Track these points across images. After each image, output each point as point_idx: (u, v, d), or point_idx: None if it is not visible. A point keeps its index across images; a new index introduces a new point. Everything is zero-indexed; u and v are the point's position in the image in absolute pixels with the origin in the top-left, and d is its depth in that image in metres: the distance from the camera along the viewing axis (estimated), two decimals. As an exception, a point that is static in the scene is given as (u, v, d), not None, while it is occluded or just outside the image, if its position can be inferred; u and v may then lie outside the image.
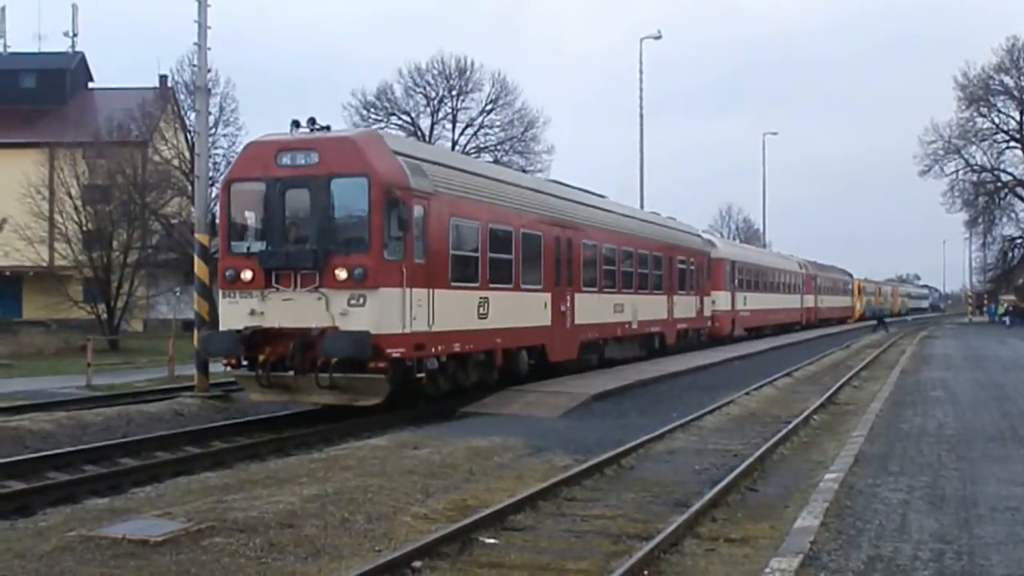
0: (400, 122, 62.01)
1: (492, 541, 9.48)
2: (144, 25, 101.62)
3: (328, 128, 18.09)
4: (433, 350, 18.05)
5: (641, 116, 50.00)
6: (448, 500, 11.14)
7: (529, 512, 10.61)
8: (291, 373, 16.91)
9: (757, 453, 13.96)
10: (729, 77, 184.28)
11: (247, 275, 17.22)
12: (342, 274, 16.57)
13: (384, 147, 17.73)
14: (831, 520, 9.64)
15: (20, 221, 40.57)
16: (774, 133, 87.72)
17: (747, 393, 22.29)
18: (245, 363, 17.50)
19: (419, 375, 17.68)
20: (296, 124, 18.06)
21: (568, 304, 24.29)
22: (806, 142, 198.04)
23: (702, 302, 37.58)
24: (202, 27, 24.75)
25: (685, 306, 35.21)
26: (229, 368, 18.17)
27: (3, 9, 58.43)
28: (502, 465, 13.62)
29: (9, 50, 57.12)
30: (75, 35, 58.04)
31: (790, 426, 16.85)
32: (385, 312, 16.69)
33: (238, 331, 17.09)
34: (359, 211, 17.08)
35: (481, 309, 19.91)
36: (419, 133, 60.32)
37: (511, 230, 21.45)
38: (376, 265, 16.63)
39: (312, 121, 17.93)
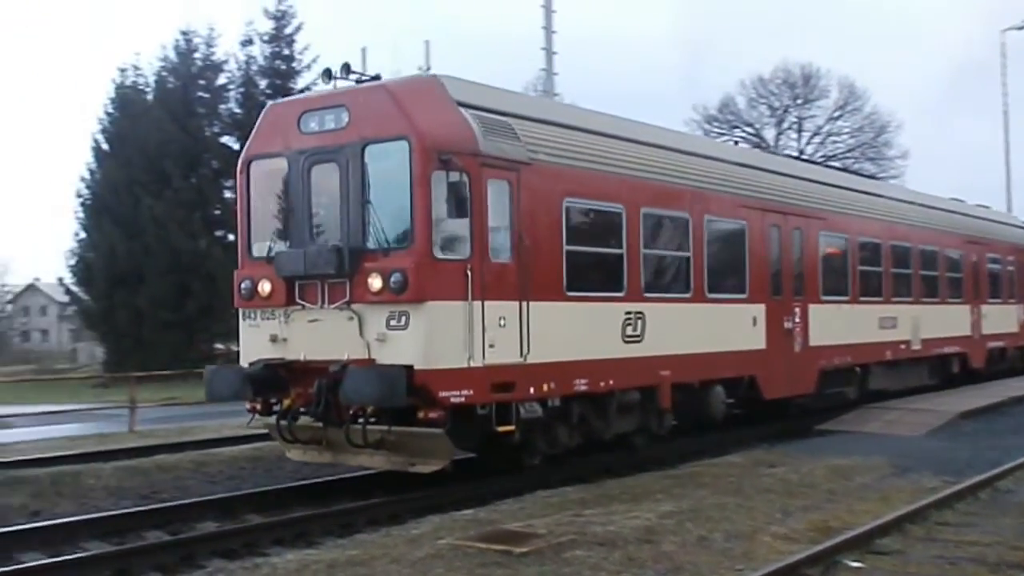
0: (743, 134, 61.64)
1: (857, 565, 9.07)
2: (490, 52, 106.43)
3: (378, 78, 13.15)
4: (531, 390, 12.83)
5: (1005, 114, 47.18)
6: (808, 520, 10.78)
7: (896, 535, 10.08)
8: (320, 424, 12.43)
9: None
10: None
11: (265, 288, 12.86)
12: (376, 282, 11.85)
13: (441, 96, 12.65)
14: None
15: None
16: None
17: None
18: (276, 408, 12.99)
19: (503, 428, 12.59)
20: (328, 74, 13.25)
21: (797, 319, 18.44)
22: None
23: None
24: (548, 53, 25.62)
25: (1000, 318, 27.64)
26: (256, 415, 13.37)
27: (364, 50, 63.31)
28: (864, 485, 13.07)
29: (372, 89, 61.95)
30: (428, 69, 61.95)
31: None
32: (435, 336, 11.80)
33: (248, 366, 12.83)
34: (399, 190, 12.07)
35: (629, 328, 14.50)
36: (763, 144, 59.56)
37: (685, 216, 15.81)
38: (421, 267, 11.75)
39: (347, 68, 12.99)
